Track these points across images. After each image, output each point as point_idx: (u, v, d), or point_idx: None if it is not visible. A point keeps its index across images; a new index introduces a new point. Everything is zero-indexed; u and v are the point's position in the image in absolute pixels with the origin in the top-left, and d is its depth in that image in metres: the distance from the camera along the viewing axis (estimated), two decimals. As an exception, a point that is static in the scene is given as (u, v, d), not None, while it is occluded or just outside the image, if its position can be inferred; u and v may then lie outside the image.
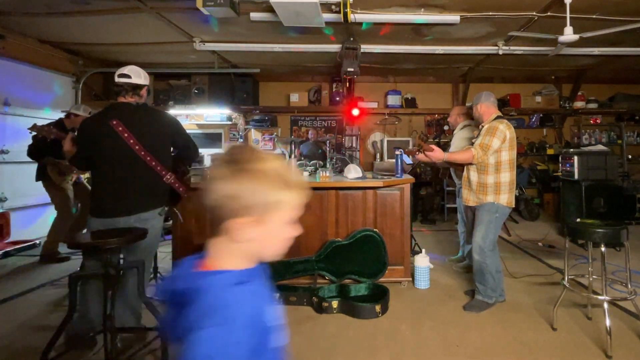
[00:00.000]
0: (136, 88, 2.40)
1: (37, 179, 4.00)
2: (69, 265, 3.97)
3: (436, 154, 2.88)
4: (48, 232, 4.13)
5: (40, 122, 3.88)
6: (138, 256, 2.33)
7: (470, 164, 2.89)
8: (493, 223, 2.83)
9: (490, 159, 2.81)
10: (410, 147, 5.84)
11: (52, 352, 1.97)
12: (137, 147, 2.26)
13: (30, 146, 3.84)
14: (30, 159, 3.90)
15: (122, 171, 2.28)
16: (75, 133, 2.56)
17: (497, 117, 2.90)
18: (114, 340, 2.00)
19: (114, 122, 2.25)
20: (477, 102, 3.01)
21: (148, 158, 2.29)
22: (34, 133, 2.75)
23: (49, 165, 3.87)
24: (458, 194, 3.82)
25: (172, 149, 2.53)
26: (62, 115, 4.23)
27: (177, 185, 2.44)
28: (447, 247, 4.69)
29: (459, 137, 3.78)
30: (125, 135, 2.25)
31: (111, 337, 1.98)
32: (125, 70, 2.38)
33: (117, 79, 2.37)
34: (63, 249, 4.19)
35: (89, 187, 2.62)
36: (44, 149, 3.74)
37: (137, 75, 2.40)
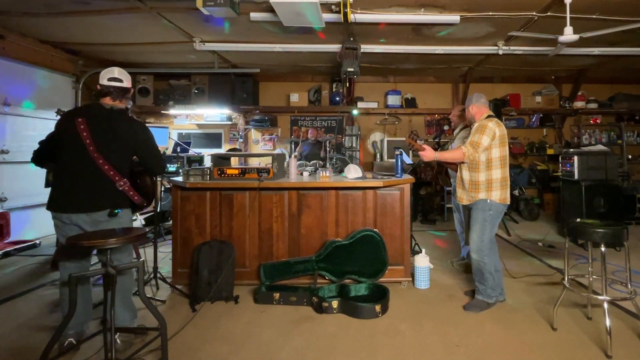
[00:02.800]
0: (126, 93, 2.42)
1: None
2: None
3: (427, 154, 2.89)
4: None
5: (40, 123, 3.89)
6: (117, 259, 2.33)
7: (462, 162, 2.90)
8: (488, 221, 2.84)
9: (481, 157, 2.83)
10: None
11: (52, 352, 1.97)
12: (91, 149, 2.26)
13: (34, 151, 3.83)
14: (20, 159, 3.86)
15: (75, 169, 2.29)
16: None
17: (488, 116, 2.92)
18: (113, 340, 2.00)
19: (79, 120, 2.28)
20: (468, 104, 3.07)
21: (100, 161, 2.27)
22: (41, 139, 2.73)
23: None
24: (453, 193, 3.82)
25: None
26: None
27: (131, 193, 2.38)
28: (448, 247, 4.69)
29: (458, 138, 3.78)
30: (84, 134, 2.26)
31: (111, 337, 1.98)
32: (115, 73, 2.38)
33: (106, 82, 2.36)
34: (44, 251, 4.16)
35: (151, 191, 2.60)
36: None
37: (127, 80, 2.42)
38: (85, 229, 2.29)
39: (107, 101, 2.37)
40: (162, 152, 2.90)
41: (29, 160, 3.94)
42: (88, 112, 2.34)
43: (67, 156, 2.30)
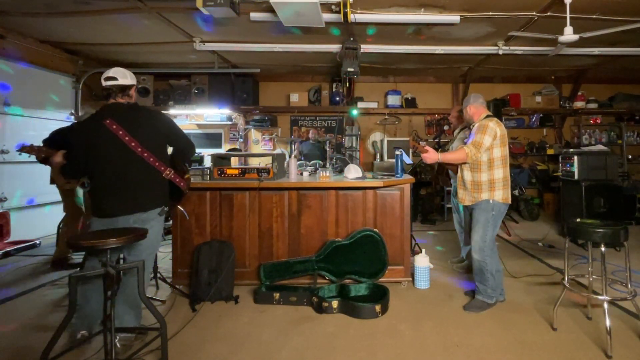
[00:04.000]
0: (125, 89, 2.39)
1: (51, 182, 3.99)
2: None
3: (430, 155, 2.89)
4: (57, 237, 4.08)
5: (40, 123, 3.89)
6: (139, 256, 2.32)
7: (465, 163, 2.90)
8: (490, 222, 2.83)
9: (482, 157, 2.83)
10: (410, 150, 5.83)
11: (52, 352, 1.97)
12: (133, 144, 2.26)
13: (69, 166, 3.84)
14: (19, 159, 3.87)
15: (120, 169, 2.27)
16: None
17: (487, 116, 2.92)
18: (113, 340, 2.00)
19: (107, 121, 2.25)
20: (466, 105, 3.07)
21: (145, 154, 2.28)
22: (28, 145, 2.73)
23: (53, 169, 3.82)
24: (453, 193, 3.82)
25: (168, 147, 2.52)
26: (64, 117, 4.19)
27: (177, 180, 2.44)
28: (448, 247, 4.69)
29: (458, 139, 3.78)
30: (120, 132, 2.25)
31: (111, 337, 1.98)
32: (110, 73, 2.37)
33: (104, 83, 2.36)
34: (48, 251, 4.17)
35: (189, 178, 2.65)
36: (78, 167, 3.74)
37: (123, 76, 2.40)
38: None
39: (117, 100, 2.37)
40: None
41: (29, 160, 3.95)
42: (112, 113, 2.32)
43: (107, 159, 2.27)
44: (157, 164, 2.33)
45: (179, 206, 2.74)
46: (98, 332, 2.27)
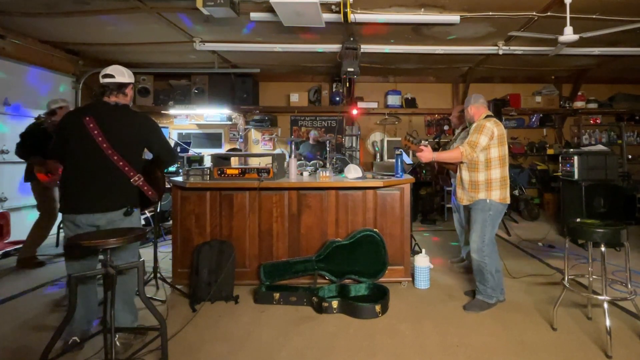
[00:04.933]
0: (121, 87, 2.40)
1: (26, 180, 3.92)
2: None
3: (425, 154, 2.89)
4: (27, 235, 3.99)
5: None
6: (122, 258, 2.32)
7: (461, 162, 2.91)
8: (488, 221, 2.83)
9: (480, 157, 2.83)
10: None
11: (52, 352, 1.97)
12: (104, 145, 2.25)
13: (18, 144, 3.81)
14: (19, 159, 3.88)
15: (88, 167, 2.27)
16: None
17: (487, 116, 2.92)
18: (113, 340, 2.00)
19: (87, 119, 2.26)
20: (467, 105, 3.08)
21: (115, 157, 2.27)
22: (23, 131, 2.76)
23: (36, 165, 3.78)
24: (453, 193, 3.82)
25: (146, 152, 2.51)
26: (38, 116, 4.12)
27: (145, 188, 2.38)
28: (448, 247, 4.69)
29: (459, 139, 3.79)
30: (95, 132, 2.25)
31: (111, 337, 1.98)
32: (108, 70, 2.38)
33: (101, 80, 2.37)
34: (42, 251, 4.17)
35: (162, 184, 2.62)
36: (32, 147, 3.72)
37: (121, 74, 2.40)
38: (101, 228, 2.29)
39: (109, 99, 2.38)
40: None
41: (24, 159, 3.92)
42: (94, 110, 2.34)
43: (78, 156, 2.28)
44: (126, 168, 2.30)
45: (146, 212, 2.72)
46: (97, 333, 2.27)
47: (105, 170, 2.27)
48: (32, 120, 4.11)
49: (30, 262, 3.94)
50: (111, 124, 2.31)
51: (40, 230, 3.99)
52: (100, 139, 2.25)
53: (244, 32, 4.53)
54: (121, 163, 2.28)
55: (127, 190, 2.35)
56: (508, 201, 2.88)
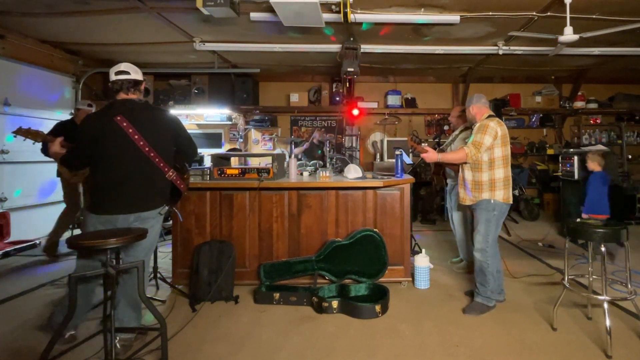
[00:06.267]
0: (137, 84, 2.40)
1: (57, 175, 4.21)
2: (69, 265, 3.97)
3: (429, 155, 2.89)
4: (55, 224, 4.29)
5: (40, 123, 3.89)
6: (137, 256, 2.31)
7: (465, 163, 2.90)
8: (492, 221, 2.83)
9: (483, 157, 2.83)
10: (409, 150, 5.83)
11: (52, 352, 1.97)
12: (141, 143, 2.26)
13: (42, 143, 3.88)
14: (45, 157, 3.94)
15: (126, 167, 2.27)
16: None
17: (489, 116, 2.92)
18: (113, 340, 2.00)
19: (118, 118, 2.24)
20: (469, 105, 3.07)
21: (152, 154, 2.29)
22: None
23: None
24: (450, 192, 3.82)
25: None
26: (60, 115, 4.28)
27: (178, 182, 2.44)
28: (448, 247, 4.69)
29: (459, 139, 3.78)
30: (130, 131, 2.24)
31: (111, 337, 1.98)
32: (122, 67, 2.37)
33: (114, 77, 2.34)
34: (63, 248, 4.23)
35: (188, 180, 2.68)
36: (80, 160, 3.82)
37: (135, 72, 2.40)
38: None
39: (128, 95, 2.36)
40: None
41: (29, 160, 3.95)
42: (123, 109, 2.31)
43: (114, 156, 2.26)
44: (162, 164, 2.34)
45: (174, 208, 2.72)
46: (97, 333, 2.27)
47: (144, 169, 2.29)
48: (32, 121, 4.16)
49: (54, 248, 4.18)
50: (143, 121, 2.30)
51: (63, 220, 4.29)
52: (136, 137, 2.24)
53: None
54: (157, 160, 2.31)
55: (163, 186, 2.40)
56: (511, 201, 2.88)
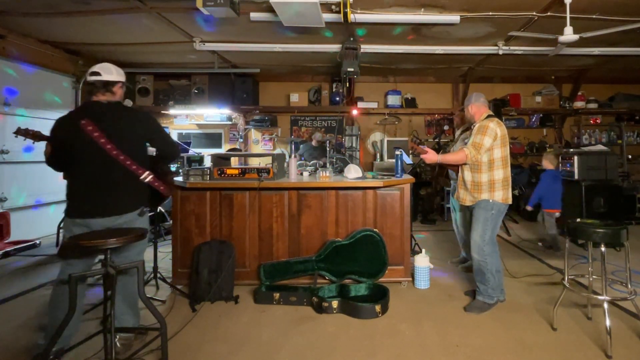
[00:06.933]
0: (107, 85, 2.31)
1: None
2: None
3: (429, 156, 2.89)
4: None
5: (40, 123, 3.90)
6: (128, 258, 2.31)
7: (464, 164, 2.90)
8: (490, 220, 2.83)
9: (483, 157, 2.83)
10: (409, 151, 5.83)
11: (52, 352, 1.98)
12: (108, 147, 2.19)
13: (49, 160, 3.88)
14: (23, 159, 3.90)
15: (93, 172, 2.21)
16: None
17: (488, 116, 2.92)
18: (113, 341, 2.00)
19: (83, 122, 2.18)
20: (467, 104, 3.07)
21: (121, 157, 2.21)
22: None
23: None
24: (453, 193, 3.82)
25: (149, 147, 2.45)
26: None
27: (156, 184, 2.35)
28: (448, 247, 4.69)
29: (460, 140, 3.78)
30: (95, 134, 2.17)
31: (111, 337, 1.98)
32: (95, 68, 2.32)
33: (88, 78, 2.30)
34: (42, 251, 4.21)
35: (172, 180, 2.60)
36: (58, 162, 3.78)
37: (108, 72, 2.32)
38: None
39: (98, 97, 2.30)
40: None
41: (29, 160, 3.94)
42: (89, 111, 2.26)
43: (83, 161, 2.22)
44: (134, 167, 2.25)
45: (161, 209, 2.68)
46: (97, 333, 2.26)
47: (114, 172, 2.23)
48: (32, 121, 4.13)
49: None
50: (109, 123, 2.24)
51: None
52: (102, 140, 2.18)
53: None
54: (128, 162, 2.24)
55: (139, 189, 2.32)
56: (510, 201, 2.88)
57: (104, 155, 2.20)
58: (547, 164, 4.64)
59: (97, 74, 2.30)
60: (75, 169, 2.26)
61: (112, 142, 2.21)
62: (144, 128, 2.36)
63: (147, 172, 2.32)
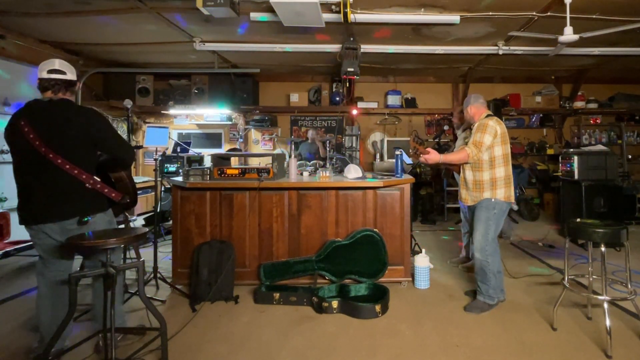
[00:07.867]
0: (70, 85, 2.18)
1: None
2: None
3: (432, 157, 2.89)
4: None
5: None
6: (95, 262, 2.27)
7: (467, 163, 2.90)
8: (492, 220, 2.83)
9: (484, 156, 2.83)
10: (410, 150, 5.83)
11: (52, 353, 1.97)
12: (43, 149, 2.00)
13: None
14: None
15: (33, 176, 2.07)
16: None
17: (488, 116, 2.93)
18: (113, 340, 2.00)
19: (22, 123, 2.03)
20: (466, 105, 3.08)
21: (59, 161, 2.02)
22: None
23: None
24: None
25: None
26: None
27: (106, 190, 2.17)
28: (448, 247, 4.69)
29: (460, 139, 3.79)
30: (31, 136, 2.00)
31: (111, 337, 1.98)
32: (56, 65, 2.14)
33: (46, 75, 2.11)
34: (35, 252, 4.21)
35: (130, 184, 2.47)
36: None
37: (71, 72, 2.19)
38: (56, 238, 2.13)
39: (48, 95, 2.13)
40: (133, 146, 2.68)
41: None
42: (27, 112, 2.09)
43: (23, 165, 2.09)
44: (75, 171, 2.05)
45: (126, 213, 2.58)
46: (97, 333, 2.27)
47: (52, 177, 2.05)
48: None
49: None
50: (47, 123, 2.05)
51: None
52: (37, 143, 1.99)
53: (240, 32, 4.52)
54: (68, 166, 2.04)
55: (82, 195, 2.12)
56: (512, 199, 2.88)
57: (39, 158, 2.03)
58: None
59: (60, 72, 2.14)
60: (15, 172, 2.13)
61: (49, 144, 2.03)
62: (87, 129, 2.13)
63: (93, 178, 2.13)
